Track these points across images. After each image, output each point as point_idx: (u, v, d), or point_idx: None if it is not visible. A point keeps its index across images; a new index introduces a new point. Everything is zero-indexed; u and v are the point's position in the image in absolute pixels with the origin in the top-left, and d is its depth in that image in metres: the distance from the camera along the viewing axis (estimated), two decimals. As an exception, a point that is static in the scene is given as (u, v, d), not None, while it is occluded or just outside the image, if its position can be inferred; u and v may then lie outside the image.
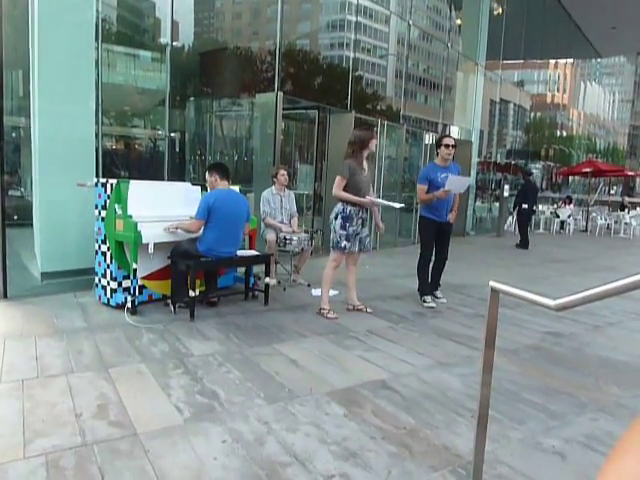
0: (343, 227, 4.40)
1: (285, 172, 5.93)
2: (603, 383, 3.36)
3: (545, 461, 2.35)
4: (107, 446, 2.28)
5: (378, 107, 11.23)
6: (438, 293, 5.44)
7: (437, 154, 5.12)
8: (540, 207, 17.02)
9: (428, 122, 12.71)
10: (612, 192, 22.51)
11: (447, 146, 5.02)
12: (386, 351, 3.76)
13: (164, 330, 3.98)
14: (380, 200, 4.70)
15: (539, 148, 21.19)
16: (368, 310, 4.71)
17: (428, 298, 5.25)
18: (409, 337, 4.16)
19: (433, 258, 5.32)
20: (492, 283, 1.86)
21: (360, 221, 4.49)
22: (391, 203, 4.89)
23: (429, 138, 10.98)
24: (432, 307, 5.14)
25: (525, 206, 10.89)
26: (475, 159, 13.70)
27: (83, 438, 2.34)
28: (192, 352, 3.52)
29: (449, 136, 5.41)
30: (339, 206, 4.45)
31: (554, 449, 2.46)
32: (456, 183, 4.96)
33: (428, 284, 5.32)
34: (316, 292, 5.55)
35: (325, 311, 4.58)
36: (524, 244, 10.86)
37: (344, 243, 4.42)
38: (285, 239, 5.61)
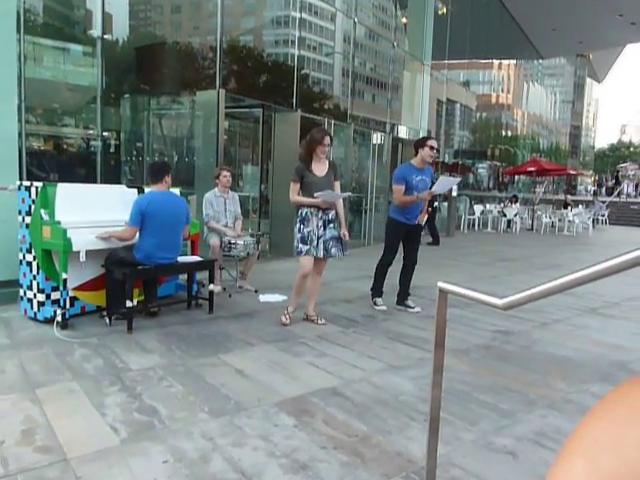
0: (299, 230, 4.36)
1: (228, 173, 5.86)
2: (551, 379, 3.49)
3: (497, 461, 2.40)
4: (34, 475, 2.14)
5: (325, 106, 11.29)
6: (410, 302, 5.24)
7: (416, 154, 5.03)
8: (487, 206, 17.68)
9: (376, 122, 12.90)
10: (541, 191, 23.67)
11: (432, 148, 4.94)
12: (337, 356, 3.76)
13: (99, 344, 3.82)
14: (324, 193, 4.68)
15: (485, 148, 22.00)
16: (320, 322, 4.62)
17: (379, 300, 5.28)
18: (360, 341, 4.18)
19: (401, 263, 5.26)
20: (440, 284, 1.88)
21: (321, 223, 4.37)
22: (338, 194, 4.80)
23: (377, 138, 11.16)
24: (383, 309, 5.19)
25: (436, 204, 11.42)
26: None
27: (6, 468, 2.18)
28: (130, 367, 3.39)
29: (433, 138, 5.39)
30: (298, 211, 4.42)
31: (505, 448, 2.53)
32: (444, 184, 5.03)
33: (382, 287, 5.30)
34: (264, 298, 5.50)
35: (285, 311, 4.61)
36: (436, 241, 11.28)
37: (300, 247, 4.33)
38: (230, 243, 5.54)
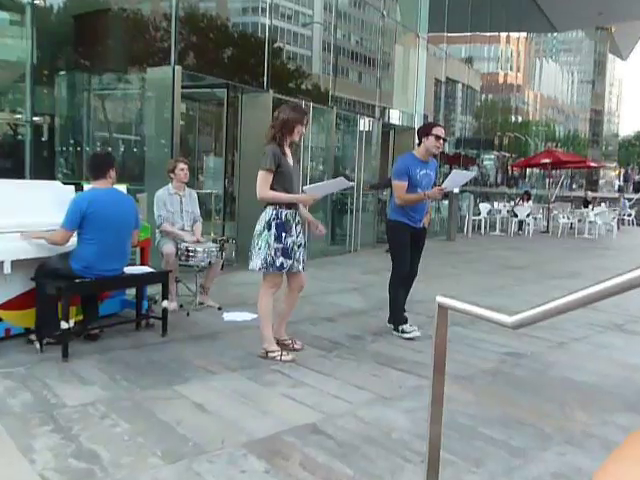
0: (279, 239, 4.13)
1: (185, 166, 5.83)
2: (569, 409, 3.53)
3: (507, 509, 2.41)
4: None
5: (302, 86, 11.34)
6: (406, 326, 5.11)
7: (419, 144, 5.02)
8: (495, 205, 17.91)
9: (363, 104, 12.98)
10: (557, 187, 24.05)
11: (438, 138, 4.88)
12: (317, 386, 3.75)
13: (27, 375, 3.75)
14: (322, 183, 4.61)
15: (492, 136, 22.24)
16: (296, 346, 4.55)
17: (408, 327, 5.06)
18: (345, 367, 4.17)
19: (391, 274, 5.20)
20: (439, 298, 1.89)
21: (299, 228, 4.29)
22: (334, 184, 4.58)
23: (364, 124, 11.22)
24: (417, 335, 4.97)
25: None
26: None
27: None
28: (65, 402, 3.33)
29: (439, 125, 5.36)
30: (270, 212, 4.17)
31: (517, 493, 2.54)
32: (457, 180, 5.02)
33: (403, 309, 5.17)
34: (229, 316, 5.47)
35: (274, 354, 4.28)
36: None
37: (280, 260, 4.13)
38: (187, 251, 5.50)
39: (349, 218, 11.04)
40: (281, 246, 4.14)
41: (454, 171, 5.09)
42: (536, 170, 25.41)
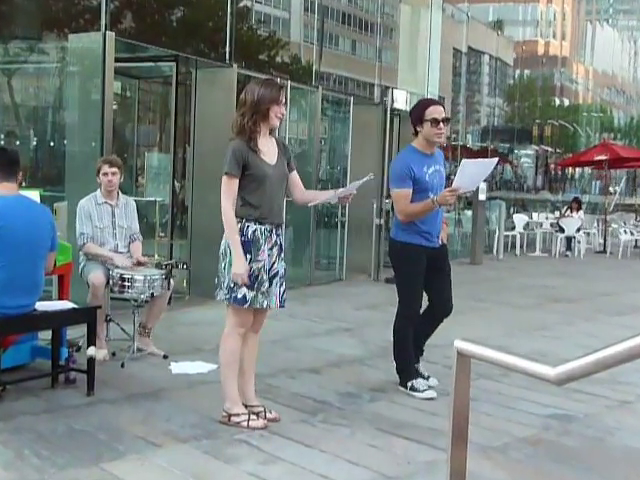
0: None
1: (112, 169, 5.77)
2: (636, 491, 3.54)
3: None
4: None
5: (277, 59, 11.40)
6: (418, 384, 5.06)
7: (416, 133, 5.01)
8: (535, 216, 17.99)
9: (358, 83, 13.08)
10: (617, 192, 24.16)
11: (435, 121, 4.85)
12: (297, 462, 3.72)
13: None
14: (353, 185, 4.47)
15: (529, 124, 22.29)
16: (270, 416, 4.49)
17: (420, 383, 5.03)
18: (334, 436, 4.15)
19: (425, 308, 5.18)
20: (459, 343, 1.89)
21: (276, 250, 4.29)
22: (364, 179, 4.54)
23: (360, 109, 11.27)
24: (432, 396, 4.91)
25: None
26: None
27: None
28: (-48, 487, 3.28)
29: (434, 101, 5.36)
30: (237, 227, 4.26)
31: None
32: (471, 173, 4.90)
33: (414, 362, 5.14)
34: (179, 367, 5.44)
35: (239, 418, 4.23)
36: None
37: (242, 292, 4.13)
38: (122, 280, 5.46)
39: (338, 235, 11.10)
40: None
41: (464, 162, 4.94)
42: (588, 170, 25.51)
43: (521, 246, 16.86)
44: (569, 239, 17.15)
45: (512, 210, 18.33)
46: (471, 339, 1.92)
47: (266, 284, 4.21)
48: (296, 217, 9.93)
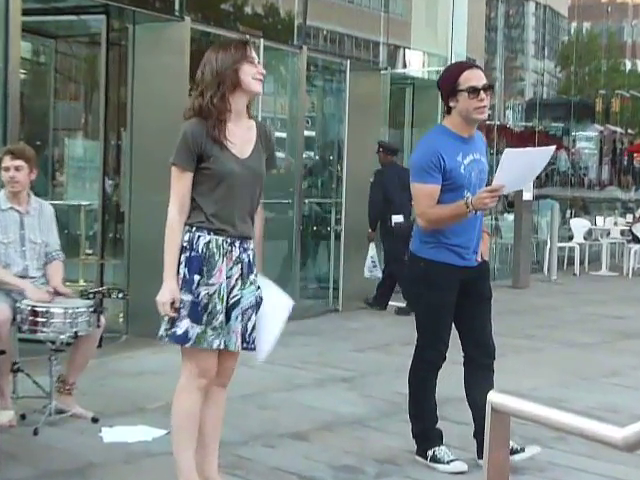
0: (188, 285, 4.16)
1: (23, 161, 5.77)
2: None
3: None
4: None
5: (246, 9, 11.42)
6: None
7: (448, 111, 5.05)
8: (599, 221, 17.96)
9: (357, 42, 13.11)
10: None
11: (474, 90, 4.83)
12: None
13: None
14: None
15: (591, 97, 22.27)
16: None
17: (443, 452, 5.07)
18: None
19: (462, 352, 5.19)
20: (493, 396, 1.90)
21: (239, 270, 4.30)
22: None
23: (360, 77, 11.28)
24: (462, 469, 4.97)
25: (398, 219, 11.35)
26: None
27: None
28: None
29: (473, 65, 5.45)
30: (182, 236, 4.23)
31: None
32: (520, 167, 4.80)
33: (435, 418, 5.17)
34: (113, 435, 5.45)
35: None
36: (381, 298, 11.45)
37: (185, 326, 4.10)
38: (35, 314, 5.46)
39: (332, 249, 11.19)
40: (189, 299, 4.14)
41: (508, 151, 4.95)
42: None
43: (581, 262, 16.85)
44: (646, 252, 17.21)
45: (569, 213, 18.32)
46: (511, 391, 1.95)
47: (220, 316, 4.14)
48: (274, 225, 9.93)
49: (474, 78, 4.86)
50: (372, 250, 11.21)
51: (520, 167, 4.89)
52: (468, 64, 5.55)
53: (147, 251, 8.15)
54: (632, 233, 17.15)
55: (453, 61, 14.25)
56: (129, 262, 8.73)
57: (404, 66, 13.38)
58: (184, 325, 4.08)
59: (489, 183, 5.02)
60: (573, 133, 21.01)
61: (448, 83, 4.99)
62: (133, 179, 8.80)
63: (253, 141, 4.33)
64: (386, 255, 11.41)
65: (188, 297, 4.11)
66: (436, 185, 4.89)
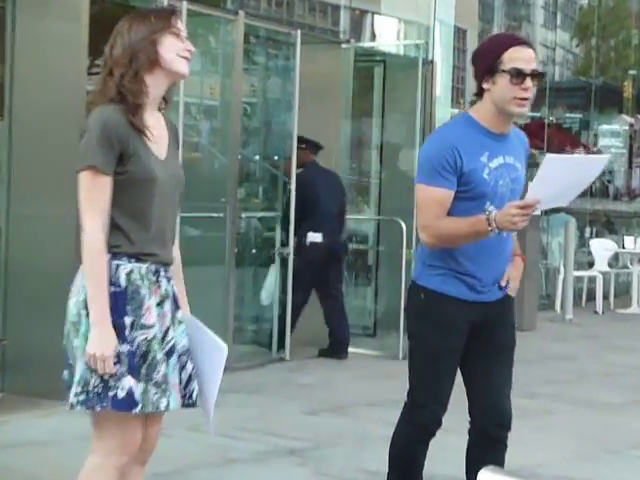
0: (120, 331, 4.02)
1: None
2: None
3: None
4: None
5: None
6: None
7: (478, 94, 5.01)
8: (628, 242, 18.15)
9: (310, 5, 13.19)
10: None
11: (519, 74, 4.75)
12: None
13: None
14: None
15: (617, 79, 22.62)
16: None
17: None
18: None
19: (468, 416, 5.10)
20: (485, 475, 1.89)
21: (169, 305, 4.21)
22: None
23: (314, 52, 11.34)
24: None
25: (315, 238, 11.52)
26: (446, 110, 14.35)
27: None
28: None
29: (523, 40, 5.18)
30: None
31: None
32: (564, 177, 4.72)
33: None
34: None
35: None
36: (336, 345, 11.60)
37: (128, 386, 4.00)
38: None
39: (276, 280, 11.19)
40: (125, 349, 4.05)
41: (549, 156, 4.77)
42: None
43: (605, 297, 17.06)
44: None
45: (588, 232, 18.51)
46: (515, 467, 1.92)
47: (162, 368, 4.12)
48: (199, 246, 9.88)
49: (523, 59, 4.77)
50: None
51: (563, 178, 4.75)
52: (518, 39, 5.19)
53: (29, 282, 8.07)
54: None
55: (437, 32, 14.39)
56: (5, 296, 8.64)
57: (372, 38, 13.46)
58: (126, 384, 3.97)
59: (523, 197, 4.83)
60: (594, 126, 21.24)
61: (487, 57, 4.91)
62: (12, 184, 8.69)
63: (167, 138, 4.33)
64: (294, 280, 11.54)
65: (124, 347, 3.99)
66: (448, 190, 4.77)
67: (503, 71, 4.72)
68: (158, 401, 4.04)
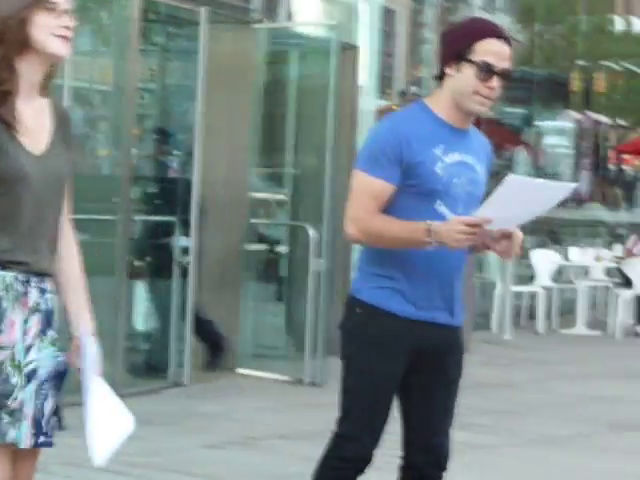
0: None
1: None
2: None
3: None
4: None
5: None
6: None
7: (441, 77, 4.95)
8: (572, 255, 18.35)
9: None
10: None
11: (487, 69, 4.76)
12: None
13: None
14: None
15: (564, 70, 22.84)
16: None
17: None
18: None
19: (401, 452, 5.10)
20: None
21: (37, 320, 4.04)
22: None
23: (219, 32, 11.47)
24: None
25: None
26: (371, 102, 14.57)
27: None
28: None
29: (505, 37, 5.10)
30: None
31: None
32: (521, 200, 4.74)
33: None
34: None
35: None
36: (215, 350, 11.97)
37: None
38: None
39: (175, 293, 11.33)
40: None
41: (510, 178, 4.68)
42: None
43: (547, 315, 17.25)
44: (642, 300, 17.76)
45: (529, 242, 18.77)
46: None
47: (19, 394, 4.06)
48: (87, 254, 9.93)
49: (496, 54, 4.81)
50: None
51: (521, 201, 4.84)
52: (498, 31, 5.07)
53: None
54: (621, 273, 17.56)
55: (363, 12, 14.59)
56: None
57: (288, 18, 13.65)
58: None
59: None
60: (537, 123, 21.41)
61: (458, 41, 4.95)
62: None
63: (48, 129, 4.27)
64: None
65: None
66: (387, 183, 4.77)
67: (471, 61, 4.76)
68: (5, 431, 3.96)
